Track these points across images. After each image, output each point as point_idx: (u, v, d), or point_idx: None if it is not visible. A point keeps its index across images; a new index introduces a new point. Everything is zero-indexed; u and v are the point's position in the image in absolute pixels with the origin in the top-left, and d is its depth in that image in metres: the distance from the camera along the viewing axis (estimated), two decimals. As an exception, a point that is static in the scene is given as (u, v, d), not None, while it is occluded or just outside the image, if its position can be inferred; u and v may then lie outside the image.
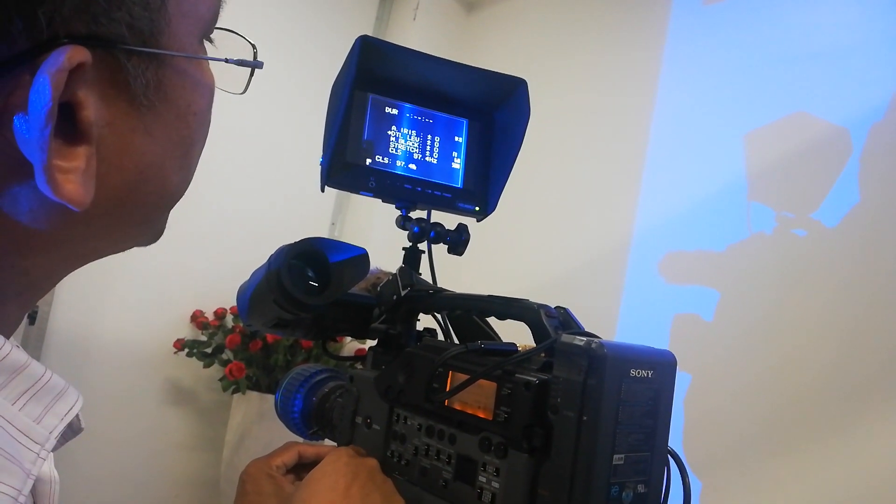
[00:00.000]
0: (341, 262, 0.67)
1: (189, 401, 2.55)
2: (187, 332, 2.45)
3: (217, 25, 0.41)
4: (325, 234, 2.81)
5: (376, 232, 2.38)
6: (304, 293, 0.65)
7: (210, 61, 0.40)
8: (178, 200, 0.42)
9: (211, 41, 0.41)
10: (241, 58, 0.42)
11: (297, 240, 0.67)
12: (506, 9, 2.73)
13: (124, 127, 0.35)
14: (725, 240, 1.81)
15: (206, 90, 0.40)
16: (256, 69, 0.44)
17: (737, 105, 1.87)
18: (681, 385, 1.84)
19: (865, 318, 1.56)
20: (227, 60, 0.40)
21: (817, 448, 1.59)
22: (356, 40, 0.70)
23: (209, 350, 2.36)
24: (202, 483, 2.47)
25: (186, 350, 2.35)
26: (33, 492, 0.42)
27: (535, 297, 0.71)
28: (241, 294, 0.70)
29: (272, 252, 0.67)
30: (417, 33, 2.76)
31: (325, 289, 0.67)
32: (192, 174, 0.42)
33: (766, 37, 1.86)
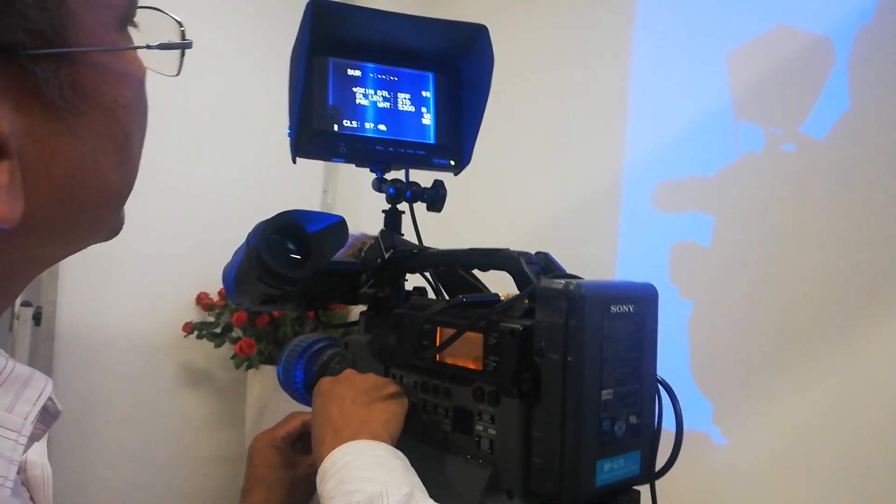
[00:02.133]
0: (320, 232, 0.67)
1: (205, 381, 2.59)
2: (194, 314, 2.47)
3: (140, 5, 0.39)
4: (317, 202, 2.80)
5: (369, 195, 2.37)
6: (286, 267, 0.65)
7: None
8: (125, 196, 0.40)
9: (136, 25, 0.39)
10: (170, 39, 0.41)
11: (274, 214, 0.67)
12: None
13: (45, 133, 0.33)
14: (716, 163, 1.79)
15: (133, 80, 0.38)
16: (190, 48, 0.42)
17: (717, 25, 1.82)
18: (683, 313, 1.86)
19: (859, 227, 1.56)
20: (148, 47, 0.38)
21: (820, 358, 1.61)
22: (307, 4, 0.69)
23: (218, 330, 2.38)
24: (228, 459, 2.53)
25: (196, 332, 2.38)
26: (26, 483, 0.43)
27: (531, 245, 0.70)
28: (226, 275, 0.71)
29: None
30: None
31: (307, 260, 0.67)
32: (136, 167, 0.40)
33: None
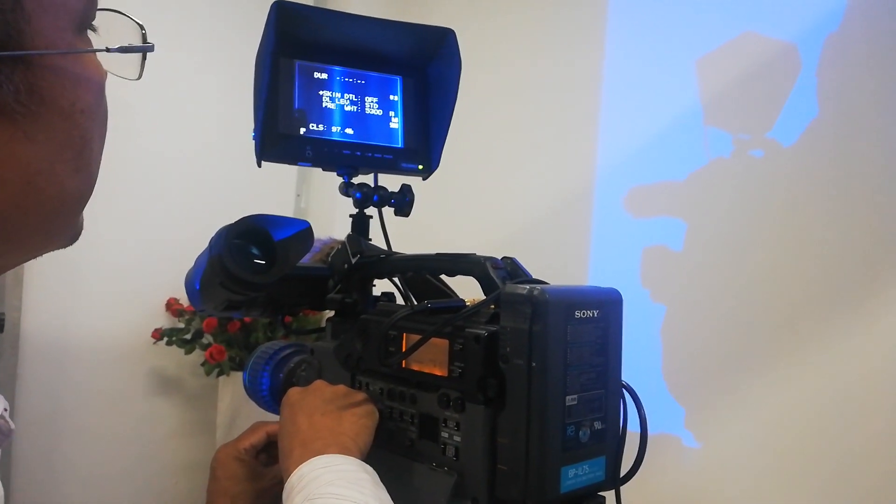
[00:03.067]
0: (285, 237, 0.66)
1: (176, 389, 2.55)
2: (164, 320, 2.43)
3: (100, 7, 0.38)
4: (290, 206, 2.77)
5: (343, 199, 2.35)
6: (250, 273, 0.64)
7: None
8: (83, 202, 0.39)
9: (95, 29, 0.38)
10: (131, 42, 0.40)
11: (237, 219, 0.65)
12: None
13: (0, 139, 0.33)
14: (686, 168, 1.82)
15: (92, 84, 0.37)
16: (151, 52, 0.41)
17: (686, 31, 1.85)
18: (655, 316, 1.87)
19: (827, 231, 1.59)
20: (107, 50, 0.38)
21: (791, 361, 1.64)
22: (271, 6, 0.68)
23: (188, 336, 2.34)
24: (199, 467, 2.48)
25: (165, 339, 2.33)
26: None
27: (504, 249, 0.70)
28: (188, 281, 0.69)
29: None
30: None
31: (271, 266, 0.66)
32: (94, 173, 0.40)
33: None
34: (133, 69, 0.41)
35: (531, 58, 2.22)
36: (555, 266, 1.97)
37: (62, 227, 0.40)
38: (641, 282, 1.88)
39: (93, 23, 0.38)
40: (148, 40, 0.41)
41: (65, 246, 0.42)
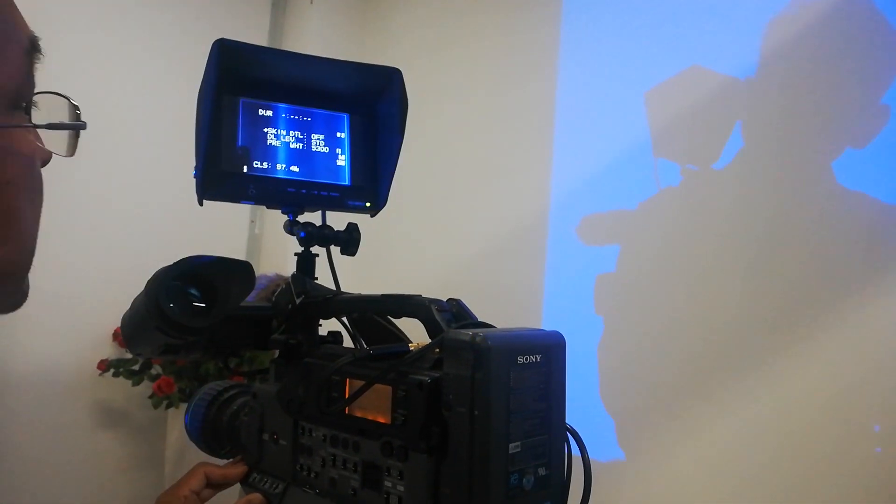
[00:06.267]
0: (225, 278, 0.65)
1: (123, 422, 2.46)
2: (111, 351, 2.35)
3: (38, 90, 0.39)
4: (244, 232, 2.73)
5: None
6: (187, 316, 0.62)
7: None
8: (18, 272, 0.39)
9: (34, 105, 0.39)
10: (64, 120, 0.40)
11: (175, 261, 0.63)
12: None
13: None
14: (636, 197, 1.85)
15: (20, 157, 0.38)
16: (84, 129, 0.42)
17: (635, 65, 1.90)
18: (610, 342, 1.89)
19: (768, 257, 1.64)
20: (34, 125, 0.38)
21: (739, 383, 1.68)
22: (213, 45, 0.67)
23: (136, 367, 2.27)
24: (147, 502, 2.40)
25: (112, 370, 2.26)
26: None
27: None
28: (124, 325, 0.67)
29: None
30: (315, 17, 2.68)
31: (211, 308, 0.64)
32: (27, 242, 0.39)
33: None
34: (63, 145, 0.41)
35: (484, 91, 2.25)
36: (511, 294, 1.99)
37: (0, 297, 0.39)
38: (594, 309, 1.90)
39: (34, 100, 0.39)
40: (82, 119, 0.41)
41: (6, 312, 0.41)
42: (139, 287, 0.67)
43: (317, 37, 2.64)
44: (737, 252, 1.69)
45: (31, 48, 0.39)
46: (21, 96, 0.38)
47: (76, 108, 0.41)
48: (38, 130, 0.39)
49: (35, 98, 0.40)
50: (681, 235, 1.79)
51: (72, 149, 0.42)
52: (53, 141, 0.40)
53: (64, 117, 0.40)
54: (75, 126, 0.41)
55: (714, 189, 1.75)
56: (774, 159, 1.64)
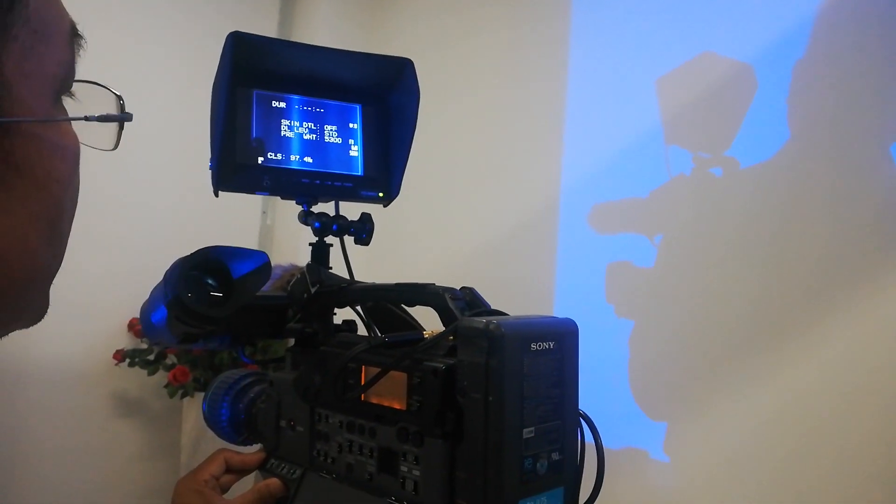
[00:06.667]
0: (242, 268, 0.66)
1: (139, 411, 2.49)
2: (126, 341, 2.38)
3: (79, 79, 0.37)
4: (256, 224, 2.75)
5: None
6: (205, 305, 0.63)
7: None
8: (53, 275, 0.38)
9: (72, 96, 0.37)
10: (109, 111, 0.39)
11: (193, 251, 0.64)
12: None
13: None
14: (648, 185, 1.85)
15: (68, 153, 0.36)
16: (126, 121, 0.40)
17: (646, 52, 1.89)
18: (621, 330, 1.90)
19: (781, 246, 1.63)
20: (86, 118, 0.37)
21: (755, 372, 1.67)
22: (227, 37, 0.68)
23: (151, 357, 2.30)
24: (164, 491, 2.43)
25: (128, 360, 2.29)
26: None
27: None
28: (143, 314, 0.68)
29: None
30: (324, 7, 2.68)
31: (228, 297, 0.65)
32: (65, 244, 0.38)
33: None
34: (109, 139, 0.40)
35: (494, 81, 2.25)
36: (522, 284, 1.99)
37: (31, 302, 0.38)
38: (606, 298, 1.90)
39: (71, 91, 0.37)
40: (126, 109, 0.40)
41: (30, 325, 0.40)
42: (153, 278, 0.69)
43: (326, 27, 2.64)
44: (751, 240, 1.68)
45: (73, 33, 0.37)
46: (66, 85, 0.36)
47: (119, 98, 0.40)
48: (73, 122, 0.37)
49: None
50: (692, 223, 1.78)
51: (117, 141, 0.40)
52: (92, 134, 0.39)
53: (101, 107, 0.39)
54: (122, 118, 0.40)
55: (726, 177, 1.74)
56: (790, 147, 1.63)
